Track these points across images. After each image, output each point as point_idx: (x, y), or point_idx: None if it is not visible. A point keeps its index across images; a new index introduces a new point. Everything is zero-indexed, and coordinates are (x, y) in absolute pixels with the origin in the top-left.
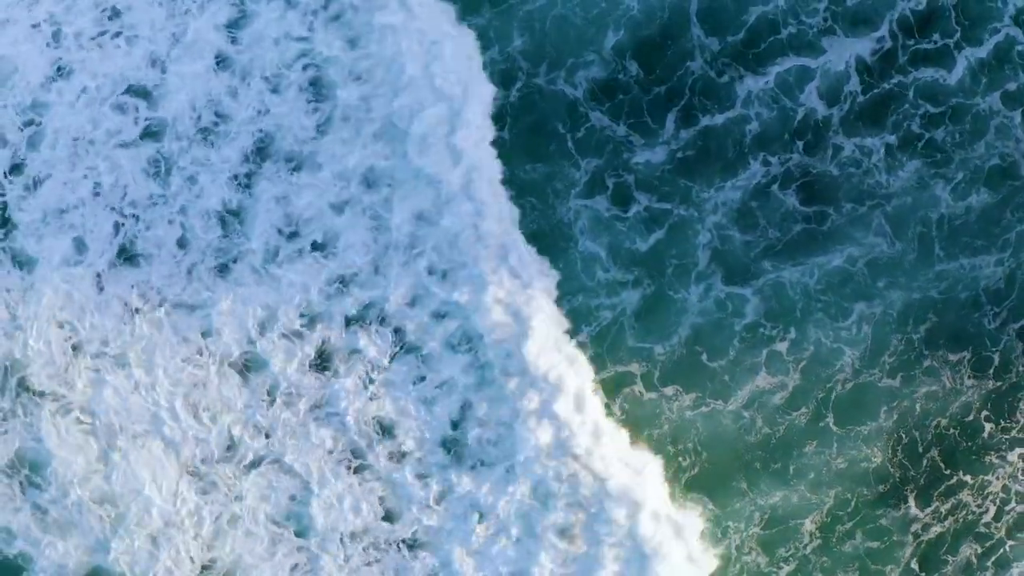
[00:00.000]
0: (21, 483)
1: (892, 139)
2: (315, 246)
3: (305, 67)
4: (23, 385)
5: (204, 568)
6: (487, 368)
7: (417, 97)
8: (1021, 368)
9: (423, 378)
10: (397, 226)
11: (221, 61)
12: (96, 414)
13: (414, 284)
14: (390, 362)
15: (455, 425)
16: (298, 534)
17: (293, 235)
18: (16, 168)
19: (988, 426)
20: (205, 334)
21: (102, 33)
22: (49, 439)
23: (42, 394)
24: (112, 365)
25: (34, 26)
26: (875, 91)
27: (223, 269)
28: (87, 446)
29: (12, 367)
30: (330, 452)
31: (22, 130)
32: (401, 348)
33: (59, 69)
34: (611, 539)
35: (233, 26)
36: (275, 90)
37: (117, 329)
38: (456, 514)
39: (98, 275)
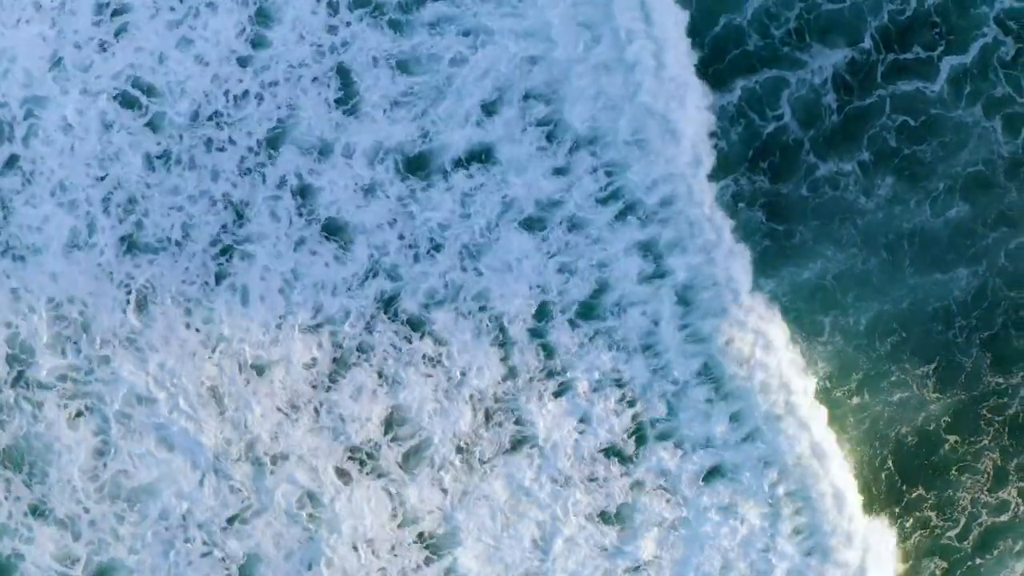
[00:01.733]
0: (23, 478)
1: (866, 156)
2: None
3: None
4: (24, 377)
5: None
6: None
7: None
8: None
9: None
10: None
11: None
12: (101, 406)
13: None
14: None
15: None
16: None
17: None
18: (13, 159)
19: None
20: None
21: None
22: (51, 430)
23: (45, 386)
24: (117, 356)
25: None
26: (852, 106)
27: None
28: (88, 438)
29: (13, 358)
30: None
31: (21, 121)
32: None
33: (59, 60)
34: None
35: None
36: None
37: (122, 320)
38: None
39: (99, 264)
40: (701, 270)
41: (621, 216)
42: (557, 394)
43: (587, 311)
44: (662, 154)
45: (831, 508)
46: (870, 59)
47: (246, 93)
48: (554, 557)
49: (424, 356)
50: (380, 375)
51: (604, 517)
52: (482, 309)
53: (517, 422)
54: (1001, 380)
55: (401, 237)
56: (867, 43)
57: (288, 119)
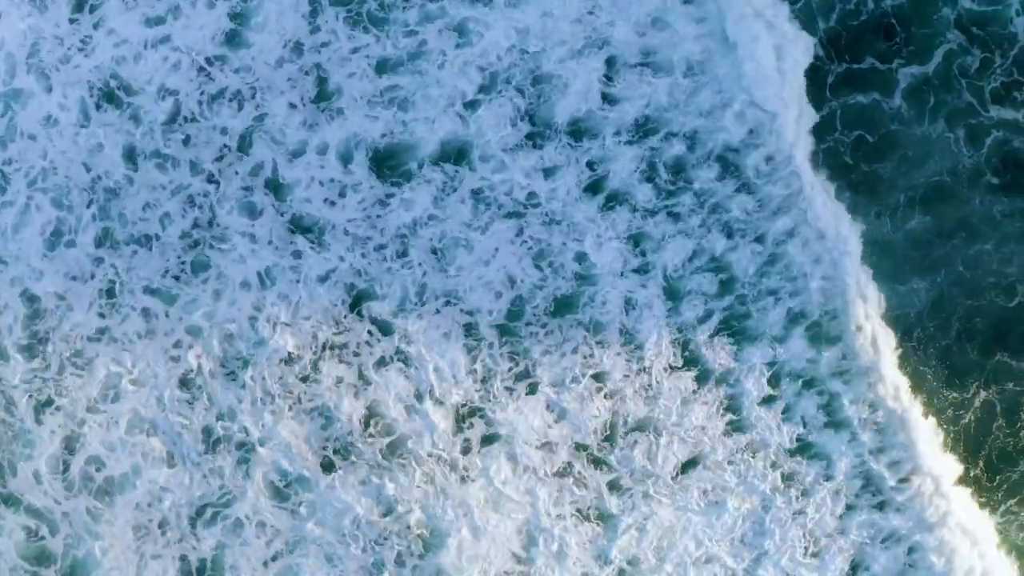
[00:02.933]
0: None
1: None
2: None
3: None
4: None
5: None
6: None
7: None
8: None
9: None
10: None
11: None
12: (73, 399)
13: None
14: None
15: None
16: None
17: None
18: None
19: None
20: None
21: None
22: (23, 423)
23: (16, 380)
24: (90, 349)
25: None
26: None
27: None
28: (58, 431)
29: None
30: None
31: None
32: None
33: (36, 54)
34: None
35: None
36: None
37: (97, 313)
38: None
39: (75, 258)
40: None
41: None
42: (530, 391)
43: (562, 307)
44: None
45: None
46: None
47: (223, 91)
48: (540, 553)
49: (397, 353)
50: (352, 370)
51: (582, 515)
52: (449, 304)
53: (487, 420)
54: None
55: (374, 234)
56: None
57: (264, 117)
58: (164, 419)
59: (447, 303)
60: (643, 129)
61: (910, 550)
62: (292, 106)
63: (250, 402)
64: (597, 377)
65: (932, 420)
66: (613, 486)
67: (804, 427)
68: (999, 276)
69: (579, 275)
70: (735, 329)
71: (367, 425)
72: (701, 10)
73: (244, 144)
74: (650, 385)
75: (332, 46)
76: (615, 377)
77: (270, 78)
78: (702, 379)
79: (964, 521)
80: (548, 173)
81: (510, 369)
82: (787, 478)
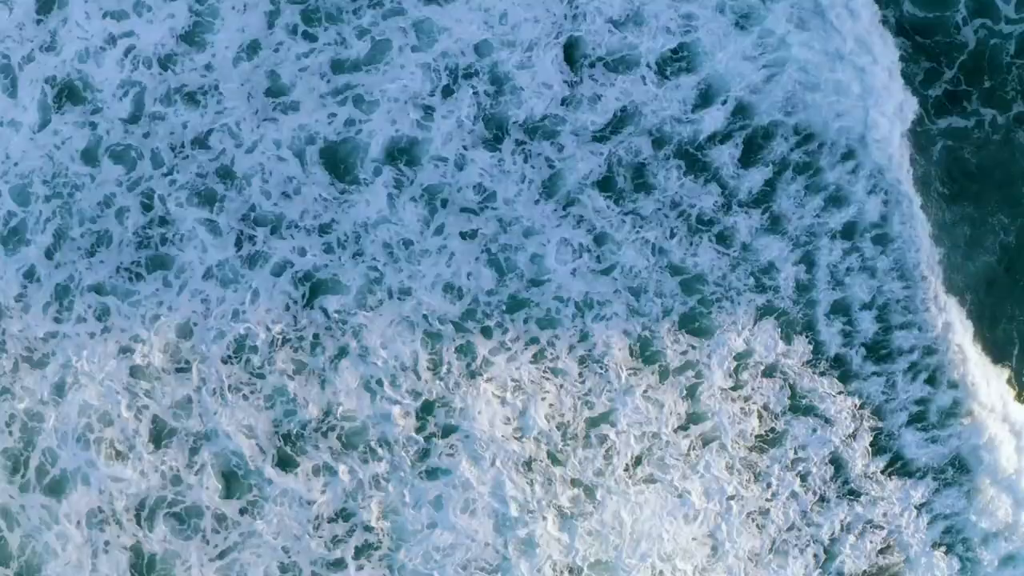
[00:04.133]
0: None
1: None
2: None
3: None
4: None
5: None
6: None
7: None
8: None
9: None
10: None
11: None
12: (26, 396)
13: None
14: None
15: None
16: None
17: None
18: None
19: None
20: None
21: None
22: None
23: None
24: (45, 347)
25: None
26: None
27: None
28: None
29: None
30: None
31: None
32: None
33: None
34: None
35: None
36: None
37: (49, 312)
38: None
39: (30, 256)
40: None
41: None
42: (489, 385)
43: (518, 304)
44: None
45: None
46: None
47: (182, 87)
48: (508, 544)
49: (353, 346)
50: (308, 363)
51: (547, 510)
52: (405, 300)
53: (446, 415)
54: None
55: (329, 229)
56: None
57: (222, 113)
58: (117, 413)
59: (403, 299)
60: (612, 127)
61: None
62: (249, 101)
63: (205, 395)
64: (555, 372)
65: None
66: (575, 482)
67: (773, 416)
68: None
69: (534, 275)
70: (696, 326)
71: (323, 418)
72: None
73: (202, 139)
74: (609, 381)
75: (289, 44)
76: (572, 374)
77: (229, 75)
78: (663, 375)
79: None
80: (504, 172)
81: (468, 365)
82: (758, 477)
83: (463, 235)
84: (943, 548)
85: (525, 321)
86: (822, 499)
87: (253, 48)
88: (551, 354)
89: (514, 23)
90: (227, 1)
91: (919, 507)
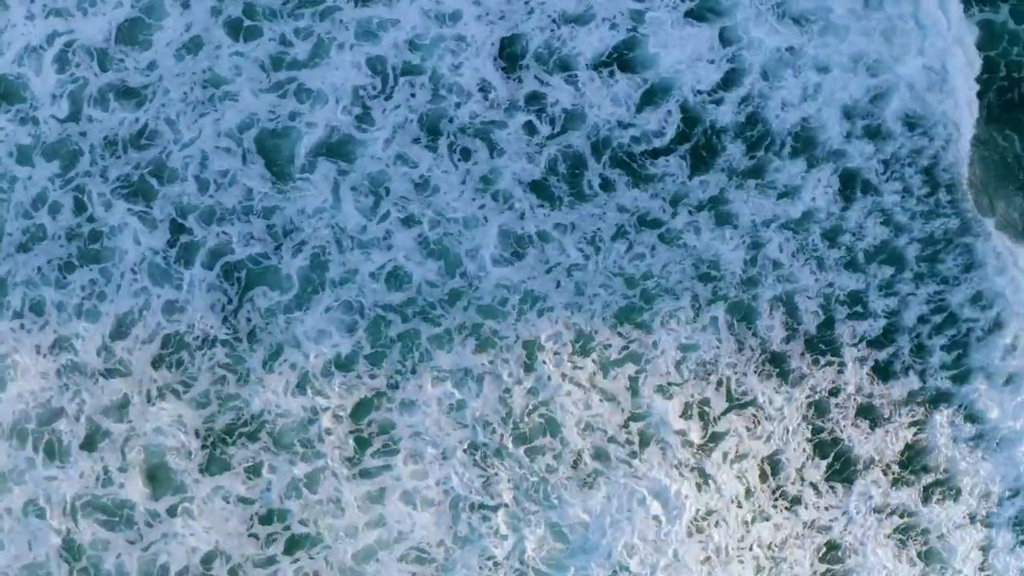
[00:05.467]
0: None
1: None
2: None
3: None
4: None
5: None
6: None
7: None
8: None
9: None
10: None
11: None
12: None
13: None
14: None
15: None
16: None
17: None
18: None
19: None
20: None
21: None
22: None
23: None
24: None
25: None
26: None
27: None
28: None
29: None
30: None
31: None
32: None
33: None
34: None
35: None
36: None
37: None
38: None
39: None
40: None
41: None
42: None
43: (455, 296)
44: None
45: None
46: None
47: (120, 83)
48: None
49: (286, 343)
50: (240, 361)
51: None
52: (341, 295)
53: (383, 412)
54: None
55: (264, 223)
56: None
57: (160, 108)
58: (47, 411)
59: (341, 291)
60: (553, 126)
61: None
62: (187, 96)
63: (136, 393)
64: (497, 364)
65: None
66: (520, 475)
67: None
68: None
69: (475, 268)
70: (639, 319)
71: (258, 415)
72: None
73: (138, 134)
74: (551, 375)
75: (229, 40)
76: (516, 366)
77: (167, 70)
78: (605, 368)
79: None
80: (443, 171)
81: (409, 357)
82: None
83: (403, 223)
84: (892, 545)
85: (465, 309)
86: (777, 496)
87: (194, 44)
88: (493, 346)
89: (456, 21)
90: None
91: (867, 506)
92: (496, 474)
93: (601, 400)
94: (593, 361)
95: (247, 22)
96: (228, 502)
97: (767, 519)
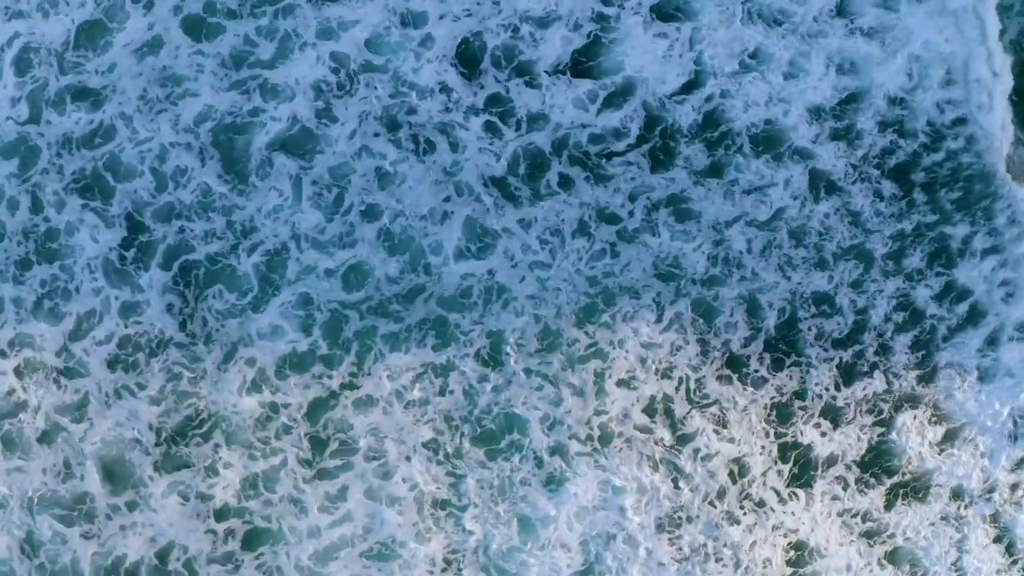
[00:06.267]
0: None
1: None
2: None
3: None
4: None
5: None
6: None
7: None
8: None
9: None
10: None
11: None
12: None
13: None
14: None
15: None
16: None
17: None
18: None
19: None
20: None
21: None
22: None
23: None
24: None
25: None
26: None
27: None
28: None
29: None
30: None
31: None
32: None
33: None
34: None
35: None
36: None
37: None
38: None
39: None
40: None
41: None
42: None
43: (415, 292)
44: None
45: None
46: None
47: (79, 84)
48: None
49: (240, 343)
50: (192, 364)
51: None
52: (298, 292)
53: (338, 412)
54: None
55: (220, 220)
56: None
57: (119, 107)
58: (8, 404)
59: (300, 287)
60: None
61: None
62: (145, 94)
63: (93, 390)
64: (458, 360)
65: None
66: (482, 472)
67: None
68: None
69: (436, 263)
70: (602, 317)
71: (212, 415)
72: None
73: (95, 133)
74: (514, 371)
75: (188, 40)
76: (476, 362)
77: (125, 69)
78: (570, 364)
79: None
80: (409, 166)
81: (367, 354)
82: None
83: (364, 218)
84: (861, 546)
85: (426, 302)
86: (743, 497)
87: (153, 44)
88: (456, 341)
89: (419, 20)
90: None
91: (831, 508)
92: (461, 470)
93: (566, 396)
94: (559, 357)
95: (208, 19)
96: (185, 499)
97: (736, 521)
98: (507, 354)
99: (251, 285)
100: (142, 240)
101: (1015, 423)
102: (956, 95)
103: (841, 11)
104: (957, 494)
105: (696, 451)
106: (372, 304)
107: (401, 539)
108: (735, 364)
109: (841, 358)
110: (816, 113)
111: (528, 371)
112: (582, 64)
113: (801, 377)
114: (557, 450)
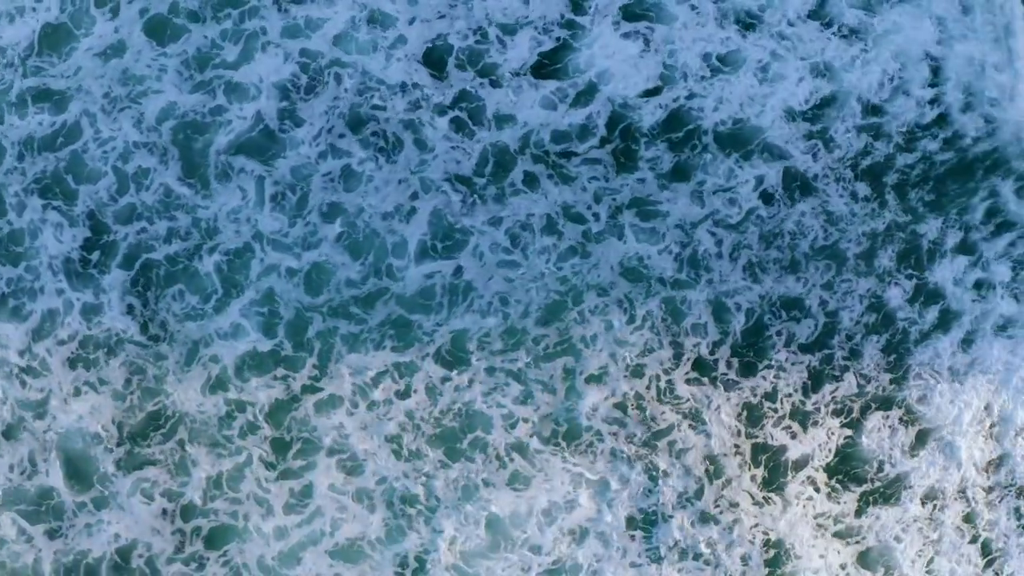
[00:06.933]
0: None
1: None
2: None
3: None
4: None
5: None
6: None
7: None
8: None
9: None
10: None
11: None
12: None
13: None
14: None
15: None
16: None
17: None
18: None
19: None
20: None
21: None
22: None
23: None
24: None
25: None
26: None
27: None
28: None
29: None
30: None
31: None
32: None
33: None
34: None
35: None
36: None
37: None
38: None
39: None
40: None
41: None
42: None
43: (378, 293)
44: None
45: None
46: None
47: (42, 86)
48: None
49: (201, 343)
50: (153, 364)
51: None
52: (259, 292)
53: (298, 412)
54: None
55: (183, 219)
56: None
57: (80, 104)
58: None
59: (261, 288)
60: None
61: None
62: (108, 93)
63: (54, 391)
64: (421, 360)
65: None
66: (446, 473)
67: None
68: None
69: (398, 264)
70: (567, 317)
71: (175, 414)
72: None
73: (56, 134)
74: (478, 370)
75: (151, 41)
76: (439, 363)
77: (88, 70)
78: (536, 362)
79: None
80: (377, 166)
81: (330, 354)
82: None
83: (326, 218)
84: (834, 550)
85: (386, 303)
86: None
87: (117, 47)
88: (420, 341)
89: (387, 20)
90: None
91: (805, 510)
92: (428, 469)
93: (534, 393)
94: (525, 354)
95: (172, 19)
96: (150, 497)
97: (715, 521)
98: (473, 352)
99: (213, 285)
100: (104, 240)
101: (989, 424)
102: (932, 95)
103: (817, 13)
104: (931, 495)
105: (671, 444)
106: (333, 304)
107: (369, 538)
108: (704, 367)
109: (812, 360)
110: (791, 115)
111: (495, 368)
112: (547, 66)
113: (774, 378)
114: (524, 446)
